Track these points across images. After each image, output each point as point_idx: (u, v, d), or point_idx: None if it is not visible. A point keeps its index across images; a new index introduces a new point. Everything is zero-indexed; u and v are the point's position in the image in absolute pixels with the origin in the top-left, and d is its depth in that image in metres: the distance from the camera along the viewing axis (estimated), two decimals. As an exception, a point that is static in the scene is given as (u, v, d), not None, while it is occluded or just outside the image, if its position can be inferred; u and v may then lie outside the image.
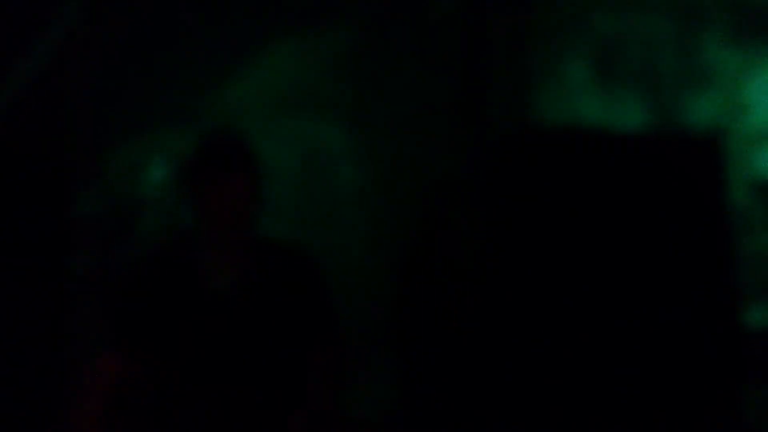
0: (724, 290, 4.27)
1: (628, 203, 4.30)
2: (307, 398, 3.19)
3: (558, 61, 4.75)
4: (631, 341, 4.25)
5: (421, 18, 4.75)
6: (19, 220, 4.24)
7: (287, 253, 3.24)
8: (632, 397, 4.17)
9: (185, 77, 4.62)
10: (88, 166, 4.52)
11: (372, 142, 4.72)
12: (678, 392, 4.21)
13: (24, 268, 4.22)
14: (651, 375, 4.21)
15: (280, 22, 4.67)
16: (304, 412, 3.12)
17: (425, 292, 4.53)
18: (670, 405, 4.19)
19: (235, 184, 3.08)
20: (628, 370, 4.22)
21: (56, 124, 4.51)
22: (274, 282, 3.18)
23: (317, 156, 4.63)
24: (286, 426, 3.13)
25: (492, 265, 4.41)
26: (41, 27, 4.48)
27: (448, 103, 4.73)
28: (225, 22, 4.61)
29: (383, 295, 4.66)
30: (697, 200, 4.30)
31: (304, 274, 3.23)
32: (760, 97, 4.66)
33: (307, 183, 4.64)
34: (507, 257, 4.37)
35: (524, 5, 4.77)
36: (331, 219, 4.64)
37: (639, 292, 4.25)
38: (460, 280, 4.51)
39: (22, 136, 4.41)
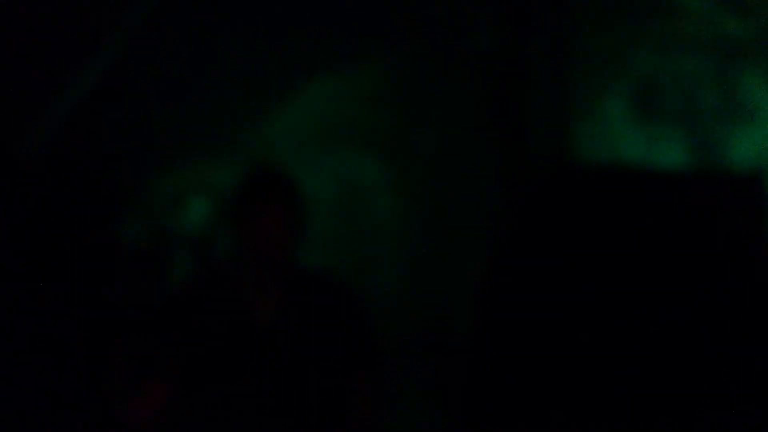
0: (766, 329, 4.23)
1: (668, 241, 4.28)
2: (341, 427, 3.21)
3: (597, 98, 4.75)
4: (666, 378, 4.22)
5: (459, 53, 4.77)
6: (58, 242, 4.26)
7: (326, 283, 3.26)
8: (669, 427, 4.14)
9: (227, 111, 4.65)
10: (130, 195, 4.54)
11: (409, 175, 4.72)
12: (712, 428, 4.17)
13: (60, 291, 4.23)
14: (686, 412, 4.18)
15: (319, 56, 4.70)
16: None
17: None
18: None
19: (277, 216, 3.10)
20: (663, 405, 4.19)
21: (101, 151, 4.54)
22: (314, 312, 3.20)
23: (355, 188, 4.64)
24: None
25: (531, 301, 4.39)
26: (88, 55, 4.52)
27: (486, 138, 4.73)
28: (266, 58, 4.64)
29: (420, 323, 4.65)
30: (738, 238, 4.27)
31: (343, 305, 3.24)
32: (801, 135, 4.65)
33: (344, 215, 4.65)
34: (546, 294, 4.35)
35: (563, 41, 4.78)
36: (368, 251, 4.65)
37: (678, 330, 4.23)
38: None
39: (65, 160, 4.44)
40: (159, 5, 4.56)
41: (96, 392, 4.01)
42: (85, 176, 4.46)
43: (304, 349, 3.16)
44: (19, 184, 4.34)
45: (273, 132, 4.66)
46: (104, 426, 3.17)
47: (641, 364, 4.25)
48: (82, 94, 4.52)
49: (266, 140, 4.64)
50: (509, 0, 4.77)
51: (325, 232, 4.58)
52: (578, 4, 4.77)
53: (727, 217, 4.27)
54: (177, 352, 3.13)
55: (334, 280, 3.28)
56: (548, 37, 4.79)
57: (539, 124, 4.75)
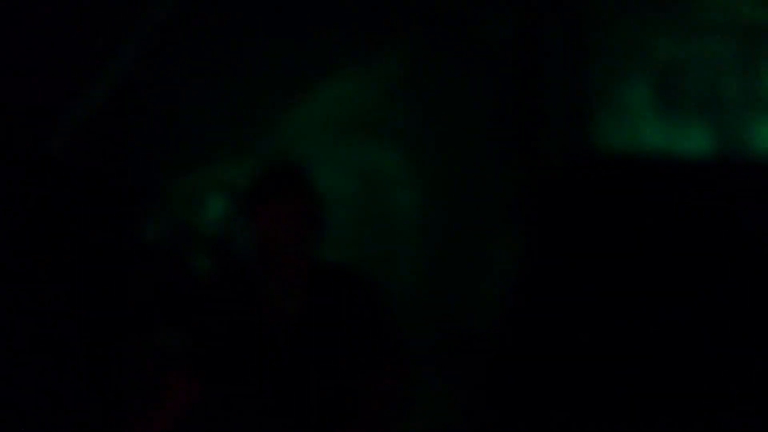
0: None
1: (692, 230, 4.25)
2: (362, 422, 3.18)
3: (618, 86, 4.70)
4: (693, 368, 4.18)
5: (477, 43, 4.74)
6: (78, 243, 4.26)
7: (347, 276, 3.23)
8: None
9: (246, 109, 4.64)
10: (150, 194, 4.54)
11: (428, 167, 4.70)
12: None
13: (81, 288, 4.24)
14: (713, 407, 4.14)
15: (337, 50, 4.68)
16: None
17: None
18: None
19: (287, 209, 3.08)
20: (689, 397, 4.15)
21: (119, 153, 4.54)
22: (335, 306, 3.17)
23: (374, 180, 4.63)
24: None
25: (551, 294, 4.36)
26: (107, 57, 4.52)
27: (506, 128, 4.70)
28: (284, 53, 4.63)
29: (440, 317, 4.64)
30: (761, 225, 4.23)
31: (364, 298, 3.21)
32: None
33: (364, 207, 4.63)
34: (568, 287, 4.32)
35: (583, 29, 4.73)
36: (388, 242, 4.63)
37: (702, 319, 4.19)
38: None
39: (85, 161, 4.45)
40: (177, 6, 4.55)
41: (115, 391, 4.01)
42: (107, 176, 4.47)
43: (326, 344, 3.14)
44: (42, 184, 4.35)
45: (292, 126, 4.64)
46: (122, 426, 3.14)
47: (668, 355, 4.21)
48: (104, 95, 4.52)
49: (285, 136, 4.63)
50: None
51: (344, 225, 4.56)
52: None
53: (751, 204, 4.22)
54: (204, 348, 3.12)
55: (355, 274, 3.25)
56: (568, 25, 4.75)
57: (560, 113, 4.71)
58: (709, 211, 4.24)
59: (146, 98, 4.54)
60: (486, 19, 4.74)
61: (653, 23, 4.72)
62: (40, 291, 4.23)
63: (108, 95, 4.48)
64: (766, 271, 4.18)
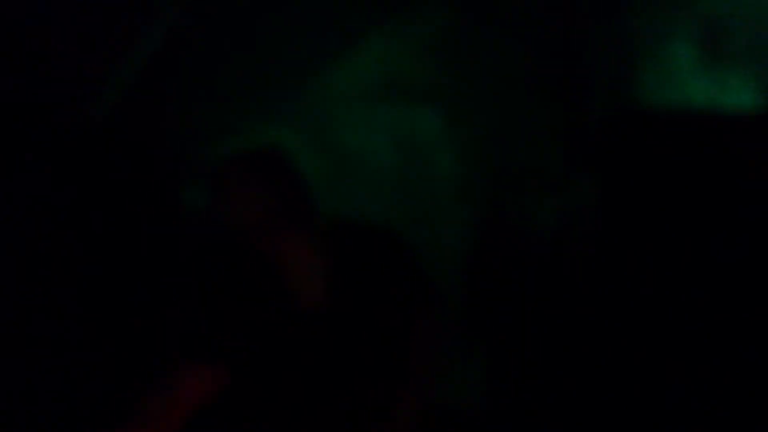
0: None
1: (739, 185, 4.16)
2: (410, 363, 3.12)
3: (662, 41, 4.60)
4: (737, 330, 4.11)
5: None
6: (121, 212, 4.26)
7: (366, 234, 3.11)
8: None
9: (282, 71, 4.60)
10: (193, 161, 4.52)
11: (467, 129, 4.64)
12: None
13: (127, 258, 4.24)
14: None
15: (370, 11, 4.62)
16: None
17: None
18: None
19: (249, 194, 2.86)
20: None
21: (160, 120, 4.53)
22: (361, 275, 3.04)
23: (412, 145, 4.57)
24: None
25: (593, 251, 4.29)
26: (145, 22, 4.51)
27: (548, 87, 4.62)
28: (317, 16, 4.58)
29: (481, 282, 4.58)
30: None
31: (389, 252, 3.11)
32: None
33: (401, 172, 4.58)
34: (610, 243, 4.26)
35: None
36: (426, 207, 4.58)
37: (749, 278, 4.11)
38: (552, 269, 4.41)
39: (126, 133, 4.44)
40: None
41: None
42: (148, 138, 4.46)
43: (358, 308, 3.03)
44: (85, 148, 4.34)
45: (327, 90, 4.59)
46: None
47: (711, 319, 4.13)
48: (142, 63, 4.51)
49: (321, 99, 4.59)
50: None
51: (381, 191, 4.52)
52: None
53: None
54: (227, 335, 2.93)
55: (372, 229, 3.11)
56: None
57: (603, 71, 4.62)
58: (756, 166, 4.14)
59: (182, 65, 4.51)
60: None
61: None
62: (79, 261, 4.23)
63: (144, 63, 4.46)
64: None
